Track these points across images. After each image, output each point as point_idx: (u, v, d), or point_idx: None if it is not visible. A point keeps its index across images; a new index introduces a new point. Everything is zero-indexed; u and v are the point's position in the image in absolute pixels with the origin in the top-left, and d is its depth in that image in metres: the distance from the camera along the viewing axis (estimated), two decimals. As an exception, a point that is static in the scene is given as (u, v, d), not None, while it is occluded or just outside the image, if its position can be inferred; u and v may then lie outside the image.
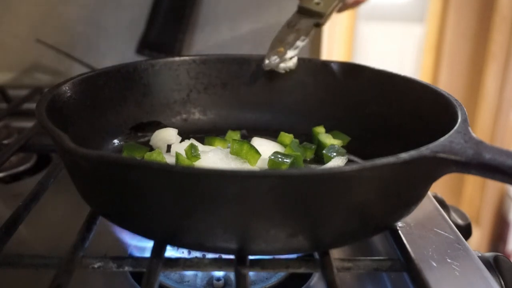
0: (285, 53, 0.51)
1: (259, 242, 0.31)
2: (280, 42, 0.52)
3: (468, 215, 0.55)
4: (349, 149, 0.49)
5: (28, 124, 0.57)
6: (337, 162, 0.46)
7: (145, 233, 0.34)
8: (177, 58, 0.54)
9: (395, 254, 0.35)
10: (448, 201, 0.54)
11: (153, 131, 0.52)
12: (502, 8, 1.50)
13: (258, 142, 0.49)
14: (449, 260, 0.40)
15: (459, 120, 0.36)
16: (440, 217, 0.47)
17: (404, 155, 0.30)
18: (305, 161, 0.48)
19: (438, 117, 0.41)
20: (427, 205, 0.48)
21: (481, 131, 1.56)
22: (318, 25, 0.53)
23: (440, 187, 1.44)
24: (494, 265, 0.41)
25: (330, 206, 0.30)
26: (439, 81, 1.63)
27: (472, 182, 1.60)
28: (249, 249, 0.31)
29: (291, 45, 0.52)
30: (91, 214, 0.36)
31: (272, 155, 0.45)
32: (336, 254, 0.34)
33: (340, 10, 0.59)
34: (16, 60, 0.83)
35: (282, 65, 0.52)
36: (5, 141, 0.60)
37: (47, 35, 0.80)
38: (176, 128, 0.51)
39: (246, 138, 0.53)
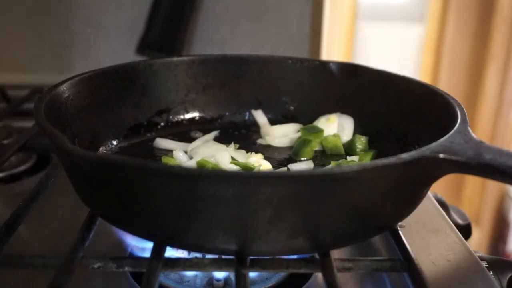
0: None
1: (260, 243, 0.31)
2: None
3: (468, 215, 0.55)
4: (349, 149, 0.49)
5: (28, 124, 0.57)
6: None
7: (144, 235, 0.34)
8: (175, 58, 0.54)
9: (395, 254, 0.35)
10: (448, 201, 0.54)
11: (152, 131, 0.52)
12: (502, 8, 1.50)
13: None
14: (449, 260, 0.40)
15: (459, 120, 0.36)
16: (440, 217, 0.47)
17: (404, 156, 0.30)
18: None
19: (438, 117, 0.41)
20: (427, 205, 0.48)
21: (481, 131, 1.56)
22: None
23: (440, 187, 1.43)
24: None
25: (330, 207, 0.30)
26: (439, 81, 1.63)
27: (472, 182, 1.60)
28: (250, 251, 0.31)
29: None
30: (91, 214, 0.36)
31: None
32: (336, 254, 0.34)
33: None
34: (16, 60, 0.83)
35: None
36: (5, 141, 0.60)
37: (47, 35, 0.81)
38: (174, 128, 0.52)
39: (247, 136, 0.53)
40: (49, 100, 0.40)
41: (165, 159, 0.46)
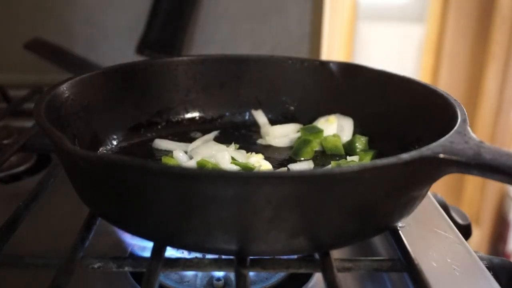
0: None
1: (260, 243, 0.31)
2: None
3: (468, 215, 0.55)
4: (349, 149, 0.49)
5: (28, 124, 0.57)
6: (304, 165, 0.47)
7: (144, 235, 0.34)
8: (175, 58, 0.54)
9: (395, 254, 0.35)
10: (448, 201, 0.54)
11: (152, 131, 0.52)
12: (502, 8, 1.50)
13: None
14: (449, 260, 0.40)
15: (459, 120, 0.36)
16: (440, 217, 0.47)
17: (405, 156, 0.30)
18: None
19: (438, 117, 0.41)
20: (427, 205, 0.48)
21: (481, 131, 1.56)
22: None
23: (440, 187, 1.44)
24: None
25: (330, 207, 0.30)
26: (439, 81, 1.63)
27: (472, 182, 1.60)
28: (250, 251, 0.31)
29: None
30: (91, 214, 0.36)
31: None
32: (336, 254, 0.34)
33: None
34: (16, 60, 0.83)
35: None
36: (5, 141, 0.60)
37: (47, 35, 0.81)
38: (174, 128, 0.52)
39: (247, 136, 0.53)
40: (49, 100, 0.40)
41: (165, 159, 0.46)
